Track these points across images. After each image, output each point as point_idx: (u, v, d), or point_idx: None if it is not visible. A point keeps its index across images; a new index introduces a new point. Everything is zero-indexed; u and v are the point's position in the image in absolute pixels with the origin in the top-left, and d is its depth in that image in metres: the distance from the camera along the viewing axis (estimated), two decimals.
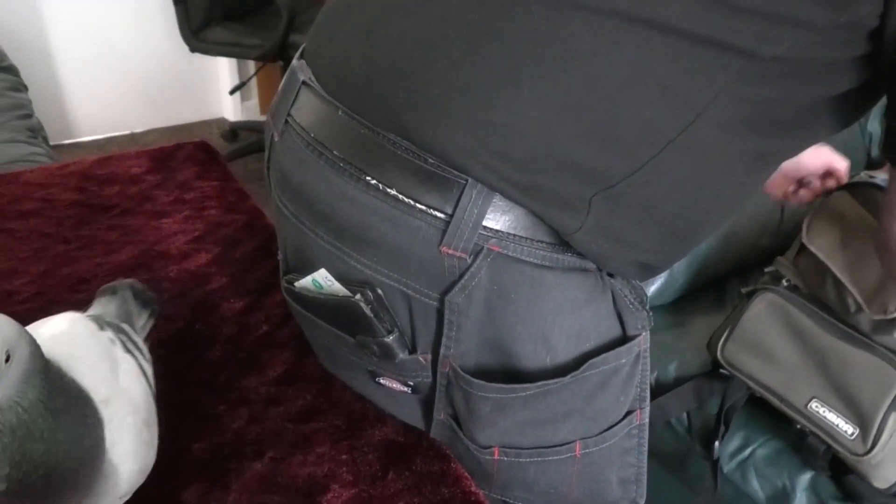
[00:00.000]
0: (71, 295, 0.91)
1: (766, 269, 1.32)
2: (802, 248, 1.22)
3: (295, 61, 0.71)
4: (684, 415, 1.37)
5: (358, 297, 0.62)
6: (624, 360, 0.66)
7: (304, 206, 0.65)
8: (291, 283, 0.69)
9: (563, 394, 0.64)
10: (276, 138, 0.70)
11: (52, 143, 2.86)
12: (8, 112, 1.75)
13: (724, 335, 1.30)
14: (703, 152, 0.57)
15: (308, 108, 0.66)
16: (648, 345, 0.69)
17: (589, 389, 0.65)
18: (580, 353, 0.64)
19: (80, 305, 0.89)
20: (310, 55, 0.69)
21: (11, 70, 1.94)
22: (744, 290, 1.33)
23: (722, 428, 1.29)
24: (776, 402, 1.22)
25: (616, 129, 0.55)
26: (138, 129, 3.16)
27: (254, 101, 3.35)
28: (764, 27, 0.51)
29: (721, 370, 1.31)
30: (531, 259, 0.60)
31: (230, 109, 3.30)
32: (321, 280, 0.65)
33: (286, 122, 0.68)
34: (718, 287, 1.63)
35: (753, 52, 0.52)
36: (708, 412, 1.34)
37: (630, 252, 0.63)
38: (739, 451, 1.28)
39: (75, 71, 2.88)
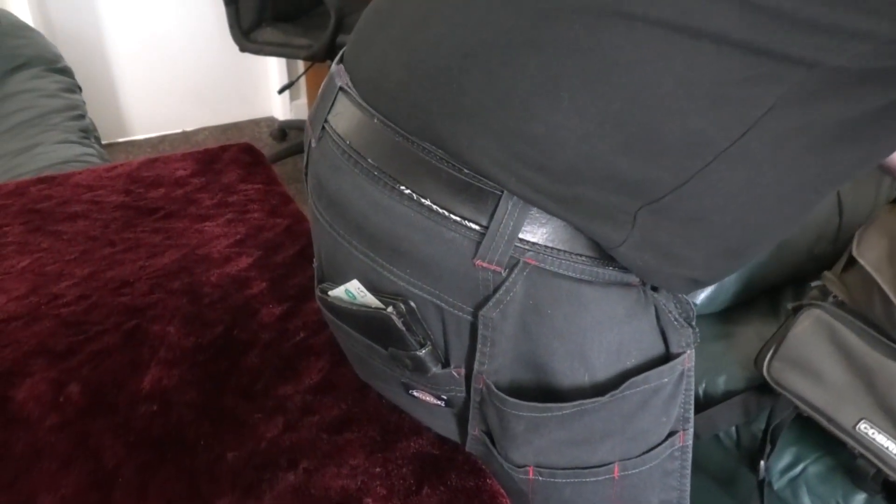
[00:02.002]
0: (114, 298, 0.92)
1: (814, 284, 1.28)
2: (851, 261, 1.17)
3: (333, 66, 0.70)
4: (733, 429, 1.33)
5: (390, 309, 0.61)
6: (666, 380, 0.64)
7: (339, 214, 0.64)
8: (325, 293, 0.68)
9: (602, 413, 0.62)
10: (313, 144, 0.69)
11: (107, 141, 2.93)
12: (62, 113, 1.79)
13: (771, 352, 1.26)
14: (756, 164, 0.54)
15: (344, 115, 0.65)
16: (693, 363, 0.66)
17: (629, 409, 0.63)
18: (620, 370, 0.62)
19: (123, 309, 0.91)
20: (348, 60, 0.68)
21: (66, 72, 1.98)
22: (790, 306, 1.29)
23: (768, 447, 1.25)
24: (824, 422, 1.17)
25: (661, 141, 0.52)
26: (190, 128, 3.21)
27: (303, 101, 3.38)
28: (824, 39, 0.48)
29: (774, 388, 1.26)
30: (569, 273, 0.58)
31: (279, 108, 3.33)
32: (354, 291, 0.64)
33: (323, 128, 0.67)
34: (772, 297, 1.57)
35: (814, 62, 0.49)
36: (757, 427, 1.30)
37: (678, 267, 0.60)
38: (790, 467, 1.24)
39: (130, 71, 2.94)
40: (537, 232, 0.56)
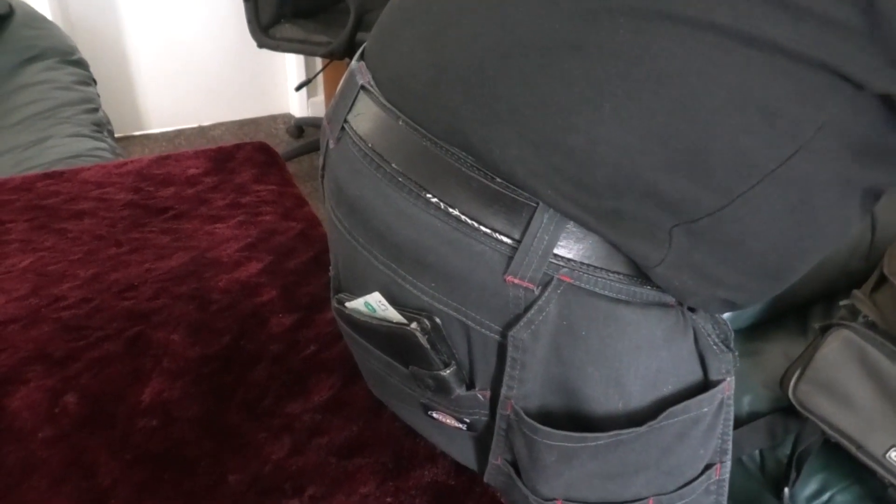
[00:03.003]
0: (118, 302, 0.88)
1: (842, 303, 1.22)
2: (883, 279, 1.12)
3: (354, 63, 0.65)
4: (756, 452, 1.28)
5: (414, 325, 0.57)
6: (706, 409, 0.60)
7: (359, 221, 0.60)
8: (342, 304, 0.64)
9: (637, 445, 0.58)
10: (331, 145, 0.65)
11: (122, 134, 2.91)
12: (75, 106, 1.76)
13: (797, 373, 1.20)
14: (803, 187, 0.51)
15: (366, 116, 0.61)
16: (733, 391, 0.62)
17: (666, 441, 0.59)
18: (656, 398, 0.58)
19: (126, 313, 0.87)
20: (370, 57, 0.64)
21: (81, 64, 1.95)
22: (817, 326, 1.23)
23: (793, 474, 1.20)
24: (852, 448, 1.12)
25: (707, 159, 0.49)
26: (206, 123, 3.19)
27: (320, 98, 3.35)
28: (871, 57, 0.45)
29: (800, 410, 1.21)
30: (606, 292, 0.54)
31: (296, 105, 3.30)
32: (374, 304, 0.59)
33: (343, 128, 0.63)
34: (801, 314, 1.51)
35: (867, 80, 0.46)
36: (783, 452, 1.25)
37: (714, 288, 0.56)
38: (817, 495, 1.18)
39: (147, 65, 2.92)
40: (573, 247, 0.53)
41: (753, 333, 1.48)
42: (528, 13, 0.52)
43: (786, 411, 1.25)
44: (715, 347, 0.60)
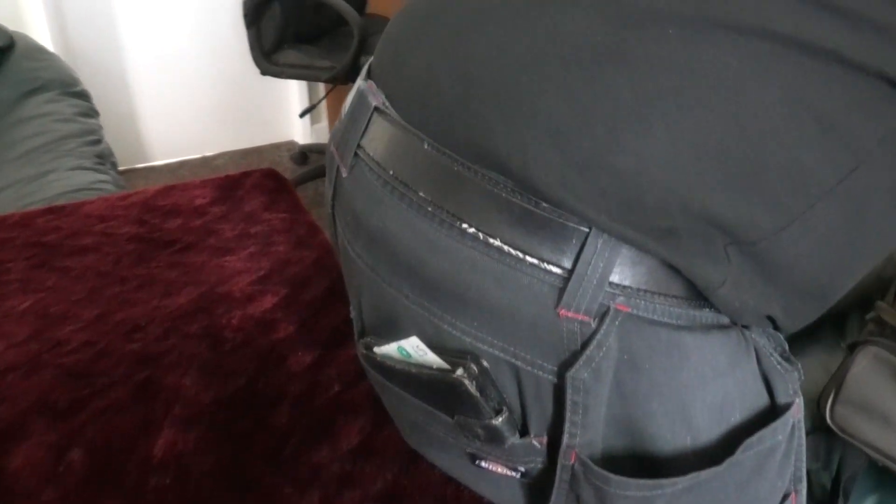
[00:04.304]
0: (124, 344, 0.82)
1: (868, 316, 1.16)
2: None
3: (361, 82, 0.60)
4: None
5: (460, 372, 0.51)
6: (780, 437, 0.55)
7: (384, 257, 0.54)
8: (370, 349, 0.57)
9: (714, 484, 0.53)
10: (343, 174, 0.59)
11: (125, 167, 2.87)
12: (77, 138, 1.71)
13: (832, 396, 1.14)
14: (862, 203, 0.48)
15: (383, 140, 0.55)
16: (802, 413, 0.58)
17: (743, 476, 0.54)
18: (725, 430, 0.53)
19: (133, 357, 0.80)
20: (380, 74, 0.58)
21: (83, 95, 1.91)
22: (844, 344, 1.17)
23: (840, 501, 1.13)
24: None
25: (765, 176, 0.45)
26: (209, 153, 3.15)
27: (324, 124, 3.31)
28: None
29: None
30: (666, 319, 0.49)
31: (300, 132, 3.27)
32: (410, 348, 0.53)
33: (356, 155, 0.57)
34: (837, 324, 1.45)
35: None
36: (827, 473, 1.18)
37: (768, 309, 0.52)
38: None
39: (150, 96, 2.89)
40: (628, 273, 0.48)
41: (789, 347, 1.41)
42: (564, 22, 0.47)
43: (828, 430, 1.19)
44: (779, 367, 0.56)
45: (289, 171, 3.06)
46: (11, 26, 1.94)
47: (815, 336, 1.42)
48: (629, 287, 0.48)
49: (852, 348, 1.12)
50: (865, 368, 1.08)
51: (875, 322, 1.13)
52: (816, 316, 0.56)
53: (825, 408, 1.12)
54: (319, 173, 2.86)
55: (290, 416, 0.72)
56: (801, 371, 0.56)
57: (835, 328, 1.44)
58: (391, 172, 0.53)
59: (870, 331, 1.12)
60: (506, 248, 0.48)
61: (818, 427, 1.21)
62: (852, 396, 1.10)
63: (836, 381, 1.11)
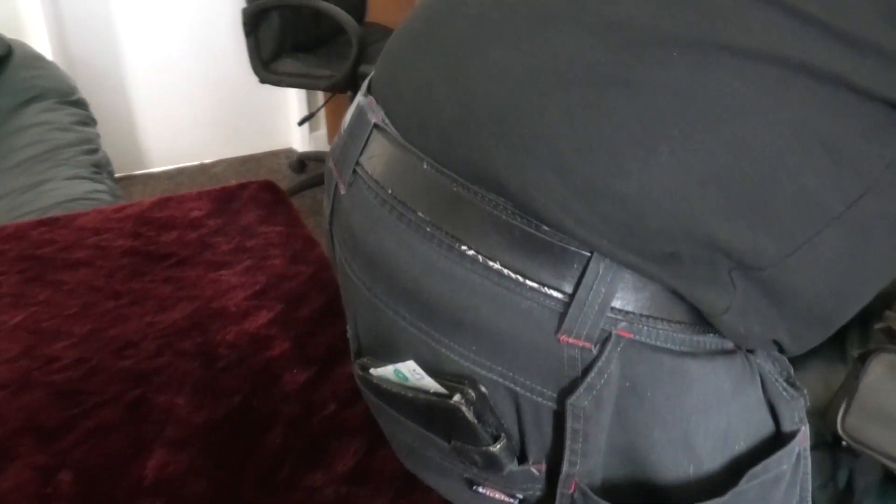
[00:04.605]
0: (115, 361, 0.81)
1: (877, 326, 1.15)
2: None
3: (361, 98, 0.59)
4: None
5: (458, 398, 0.50)
6: (785, 466, 0.54)
7: (381, 277, 0.53)
8: (366, 370, 0.56)
9: None
10: (342, 191, 0.58)
11: (124, 174, 2.86)
12: (74, 147, 1.70)
13: (843, 406, 1.12)
14: (868, 231, 0.47)
15: (382, 158, 0.54)
16: (809, 441, 0.57)
17: None
18: (728, 459, 0.52)
19: (125, 375, 0.79)
20: (380, 91, 0.57)
21: (80, 104, 1.90)
22: (856, 354, 1.16)
23: None
24: None
25: (770, 203, 0.45)
26: (208, 160, 3.14)
27: (322, 132, 3.31)
28: None
29: (844, 442, 1.13)
30: (669, 345, 0.48)
31: (298, 140, 3.26)
32: (407, 372, 0.52)
33: (355, 172, 0.56)
34: (838, 339, 1.44)
35: None
36: (834, 489, 1.16)
37: (773, 334, 0.51)
38: None
39: (149, 104, 2.89)
40: (630, 298, 0.47)
41: (790, 363, 1.40)
42: (566, 44, 0.46)
43: (833, 445, 1.17)
44: (785, 393, 0.55)
45: (287, 178, 3.05)
46: (10, 34, 1.93)
47: (814, 350, 1.41)
48: (631, 312, 0.47)
49: (863, 358, 1.11)
50: (880, 377, 1.07)
51: (884, 332, 1.12)
52: (822, 340, 0.55)
53: (835, 419, 1.11)
54: (317, 181, 2.85)
55: (284, 437, 0.71)
56: (807, 397, 0.55)
57: (835, 342, 1.43)
58: (390, 191, 0.53)
59: (879, 340, 1.11)
60: (505, 271, 0.47)
61: (818, 443, 1.19)
62: (867, 406, 1.08)
63: (848, 391, 1.10)
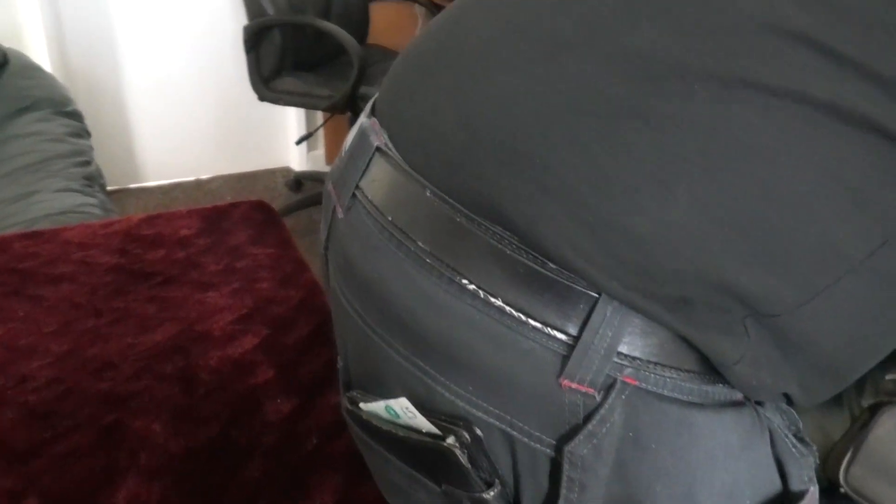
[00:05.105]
0: (93, 383, 0.78)
1: (888, 377, 1.13)
2: None
3: (364, 119, 0.57)
4: None
5: (451, 440, 0.47)
6: None
7: (375, 307, 0.51)
8: (355, 404, 0.54)
9: None
10: (339, 214, 0.55)
11: (118, 187, 2.83)
12: (66, 159, 1.68)
13: (848, 457, 1.09)
14: (888, 279, 0.45)
15: (383, 183, 0.52)
16: (818, 502, 0.55)
17: None
18: None
19: (102, 397, 0.76)
20: (383, 113, 0.55)
21: (75, 115, 1.88)
22: (865, 404, 1.13)
23: None
24: None
25: (790, 249, 0.42)
26: (204, 176, 3.12)
27: (320, 152, 3.30)
28: None
29: (841, 489, 1.10)
30: (676, 394, 0.46)
31: (296, 159, 3.25)
32: (399, 409, 0.49)
33: (354, 196, 0.54)
34: None
35: None
36: None
37: (785, 386, 0.49)
38: None
39: (145, 115, 2.87)
40: (638, 343, 0.45)
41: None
42: (581, 73, 0.44)
43: (829, 493, 1.14)
44: (794, 450, 0.52)
45: (283, 197, 3.03)
46: (9, 43, 1.92)
47: None
48: (638, 359, 0.44)
49: (874, 409, 1.08)
50: (891, 431, 1.05)
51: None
52: (833, 394, 0.53)
53: (838, 467, 1.08)
54: (313, 201, 2.83)
55: (264, 469, 0.68)
56: (817, 455, 0.53)
57: None
58: (389, 218, 0.50)
59: (888, 391, 1.08)
60: (507, 308, 0.45)
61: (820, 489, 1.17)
62: (874, 459, 1.05)
63: (854, 441, 1.07)
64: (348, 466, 0.69)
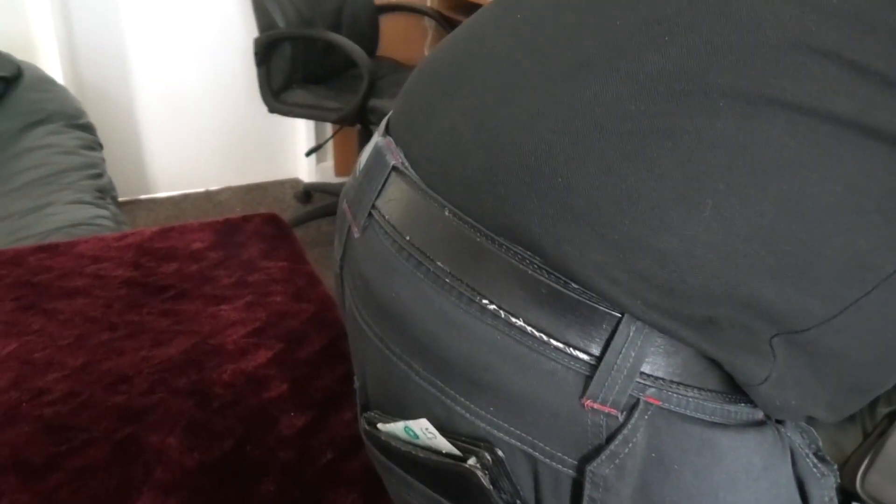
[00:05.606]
0: (108, 397, 0.78)
1: None
2: None
3: (379, 138, 0.57)
4: None
5: (472, 461, 0.47)
6: None
7: (394, 328, 0.51)
8: (373, 425, 0.53)
9: None
10: (355, 234, 0.55)
11: (128, 198, 2.85)
12: (78, 171, 1.69)
13: (865, 464, 1.08)
14: None
15: (401, 203, 0.52)
16: None
17: None
18: None
19: (117, 411, 0.76)
20: (399, 132, 0.55)
21: (87, 128, 1.90)
22: (885, 411, 1.12)
23: None
24: None
25: (818, 264, 0.42)
26: (213, 187, 3.14)
27: (329, 163, 3.30)
28: None
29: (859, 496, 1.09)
30: (700, 415, 0.45)
31: (305, 171, 3.25)
32: (418, 430, 0.49)
33: (370, 215, 0.53)
34: None
35: None
36: None
37: (811, 406, 0.48)
38: None
39: (156, 127, 2.89)
40: (661, 363, 0.44)
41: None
42: (603, 91, 0.44)
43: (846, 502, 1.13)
44: (815, 470, 0.51)
45: (292, 209, 3.04)
46: (22, 56, 1.94)
47: None
48: (662, 378, 0.44)
49: (892, 417, 1.07)
50: None
51: None
52: (857, 409, 0.52)
53: (855, 475, 1.07)
54: (323, 213, 2.83)
55: (278, 484, 0.68)
56: (838, 475, 0.52)
57: None
58: (407, 238, 0.50)
59: None
60: (529, 328, 0.45)
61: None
62: (892, 464, 1.04)
63: (873, 448, 1.06)
64: (363, 484, 0.69)
